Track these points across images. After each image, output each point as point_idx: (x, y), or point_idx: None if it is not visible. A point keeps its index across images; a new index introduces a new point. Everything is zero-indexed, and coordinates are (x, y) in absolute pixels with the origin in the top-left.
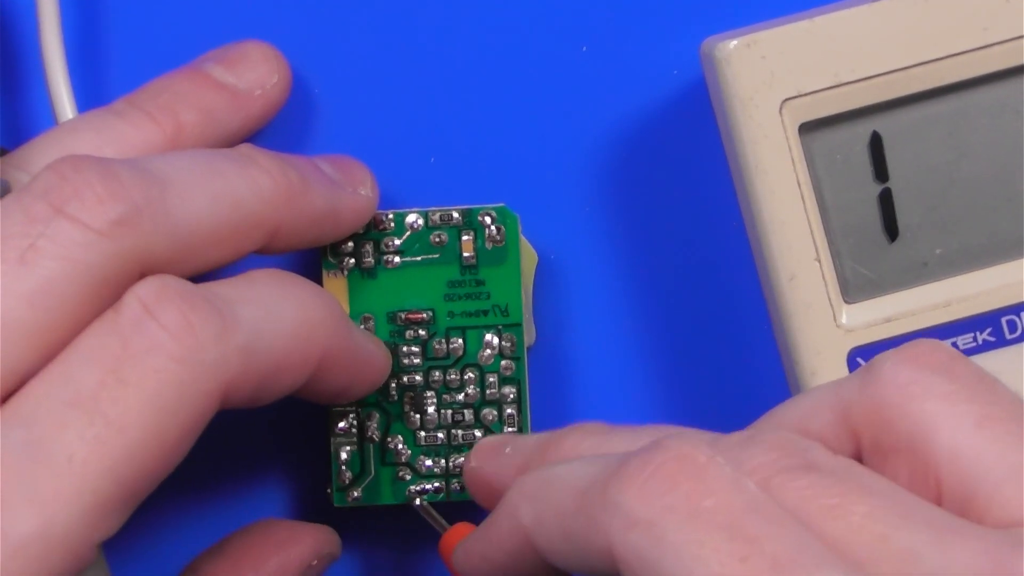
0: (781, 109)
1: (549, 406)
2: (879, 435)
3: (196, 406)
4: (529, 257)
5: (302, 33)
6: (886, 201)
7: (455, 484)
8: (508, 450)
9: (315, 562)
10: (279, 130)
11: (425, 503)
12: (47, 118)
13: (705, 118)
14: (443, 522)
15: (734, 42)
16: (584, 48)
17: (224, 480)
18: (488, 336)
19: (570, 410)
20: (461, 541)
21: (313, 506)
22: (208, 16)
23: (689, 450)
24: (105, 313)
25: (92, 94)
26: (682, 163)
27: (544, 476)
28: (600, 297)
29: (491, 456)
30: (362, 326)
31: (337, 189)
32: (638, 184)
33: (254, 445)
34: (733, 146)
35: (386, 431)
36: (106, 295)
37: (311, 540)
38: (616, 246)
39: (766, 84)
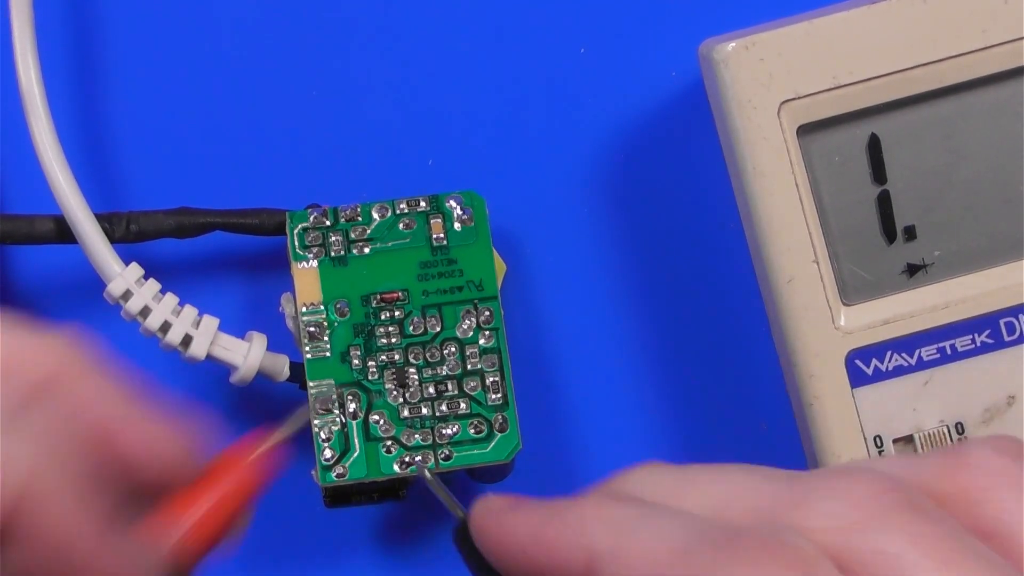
0: (779, 111)
1: (523, 422)
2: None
3: None
4: (498, 268)
5: (299, 30)
6: (884, 203)
7: (443, 452)
8: (521, 513)
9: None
10: (275, 129)
11: (432, 473)
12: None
13: (703, 120)
14: (453, 500)
15: (732, 44)
16: (582, 50)
17: None
18: (465, 311)
19: (553, 392)
20: (496, 508)
21: (296, 495)
22: (205, 18)
23: (803, 546)
24: None
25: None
26: (680, 165)
27: (630, 512)
28: (593, 300)
29: (503, 514)
30: (336, 310)
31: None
32: (636, 186)
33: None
34: (731, 148)
35: (368, 409)
36: None
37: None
38: (613, 248)
39: (764, 86)
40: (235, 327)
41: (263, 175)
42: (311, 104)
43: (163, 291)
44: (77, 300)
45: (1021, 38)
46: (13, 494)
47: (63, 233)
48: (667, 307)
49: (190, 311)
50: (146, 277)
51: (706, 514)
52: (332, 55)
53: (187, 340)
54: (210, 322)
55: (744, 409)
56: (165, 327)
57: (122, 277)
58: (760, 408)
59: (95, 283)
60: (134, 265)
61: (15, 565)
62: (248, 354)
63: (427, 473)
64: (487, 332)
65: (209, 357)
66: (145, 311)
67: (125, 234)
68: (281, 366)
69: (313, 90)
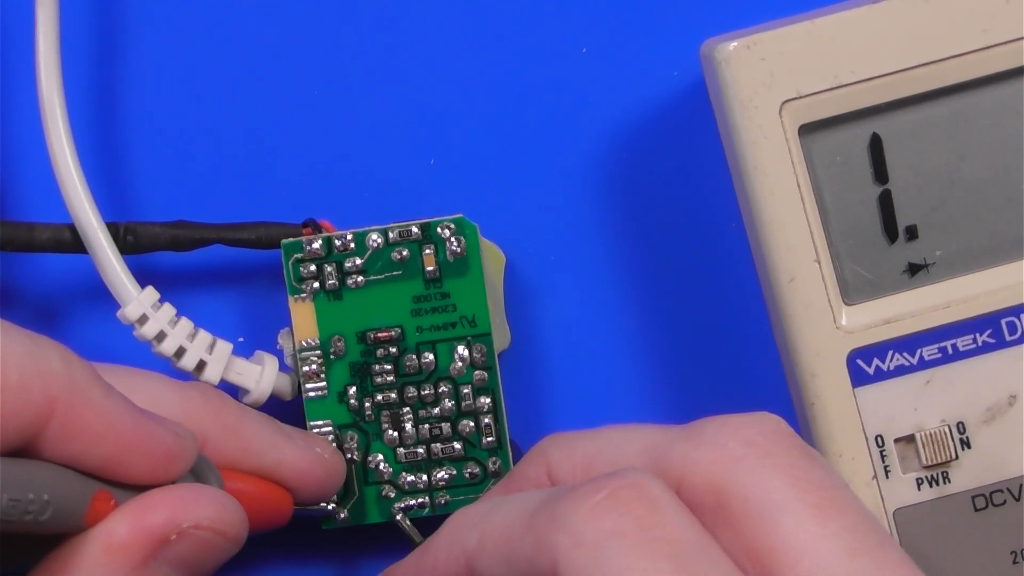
0: (781, 110)
1: (526, 412)
2: (702, 496)
3: None
4: (496, 259)
5: (301, 32)
6: (886, 202)
7: (440, 498)
8: (403, 562)
9: (174, 536)
10: (278, 134)
11: (405, 518)
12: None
13: (705, 119)
14: (420, 538)
15: (734, 43)
16: (584, 50)
17: None
18: (458, 348)
19: (547, 414)
20: (391, 568)
21: (298, 531)
22: (207, 17)
23: (644, 481)
24: None
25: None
26: (682, 164)
27: (487, 505)
28: (596, 300)
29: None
30: (332, 348)
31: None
32: (638, 185)
33: None
34: (733, 147)
35: (366, 450)
36: None
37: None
38: (616, 247)
39: (766, 85)
40: (231, 338)
41: (261, 185)
42: (311, 110)
43: (164, 302)
44: (78, 306)
45: (1022, 38)
46: (49, 387)
47: (63, 243)
48: (668, 306)
49: (204, 336)
50: (160, 300)
51: (603, 458)
52: (330, 64)
53: (201, 365)
54: (223, 347)
55: (746, 409)
56: (180, 352)
57: (138, 302)
58: (762, 407)
59: (97, 289)
60: (150, 289)
61: (65, 456)
62: (261, 379)
63: (399, 516)
64: (480, 371)
65: (223, 382)
66: (160, 336)
67: (122, 245)
68: (289, 386)
69: (315, 90)
